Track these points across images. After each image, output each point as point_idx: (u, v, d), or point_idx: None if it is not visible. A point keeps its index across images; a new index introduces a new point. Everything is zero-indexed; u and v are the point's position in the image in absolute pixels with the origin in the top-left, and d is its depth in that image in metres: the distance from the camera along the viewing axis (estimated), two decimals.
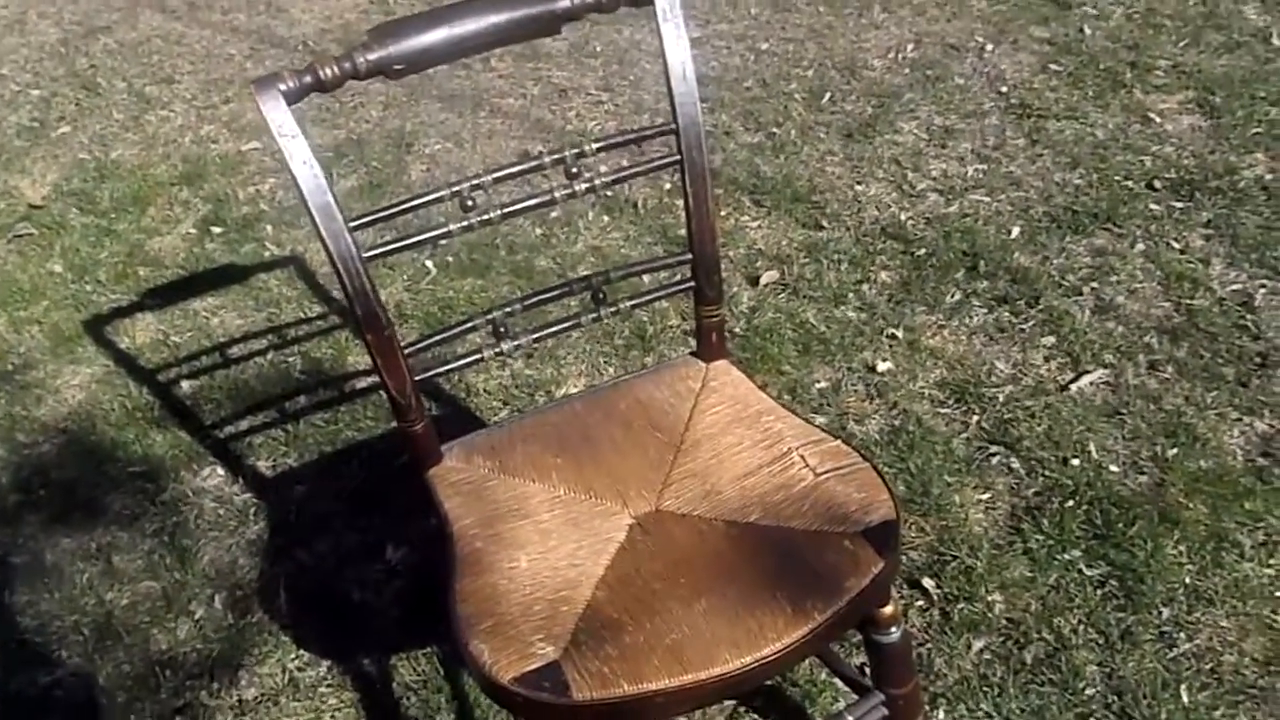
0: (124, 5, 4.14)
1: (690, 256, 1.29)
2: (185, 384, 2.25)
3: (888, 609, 1.17)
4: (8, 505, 2.00)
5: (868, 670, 1.52)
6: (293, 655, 1.68)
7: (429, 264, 2.49)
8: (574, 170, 1.19)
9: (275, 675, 1.65)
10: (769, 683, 1.53)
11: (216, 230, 2.74)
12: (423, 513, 1.24)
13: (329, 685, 1.63)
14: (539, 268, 2.46)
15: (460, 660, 1.49)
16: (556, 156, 1.19)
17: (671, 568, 1.10)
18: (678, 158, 1.22)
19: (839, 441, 1.22)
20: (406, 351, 1.19)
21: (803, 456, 1.20)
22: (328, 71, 1.06)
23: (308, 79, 1.06)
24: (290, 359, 2.28)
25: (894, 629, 1.19)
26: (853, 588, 1.05)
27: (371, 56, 1.07)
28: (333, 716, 1.60)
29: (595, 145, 1.20)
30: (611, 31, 3.53)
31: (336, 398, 2.16)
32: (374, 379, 2.12)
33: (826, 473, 1.17)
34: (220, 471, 2.02)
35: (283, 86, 1.04)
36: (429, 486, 1.24)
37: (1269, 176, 2.50)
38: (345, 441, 2.05)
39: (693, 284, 1.31)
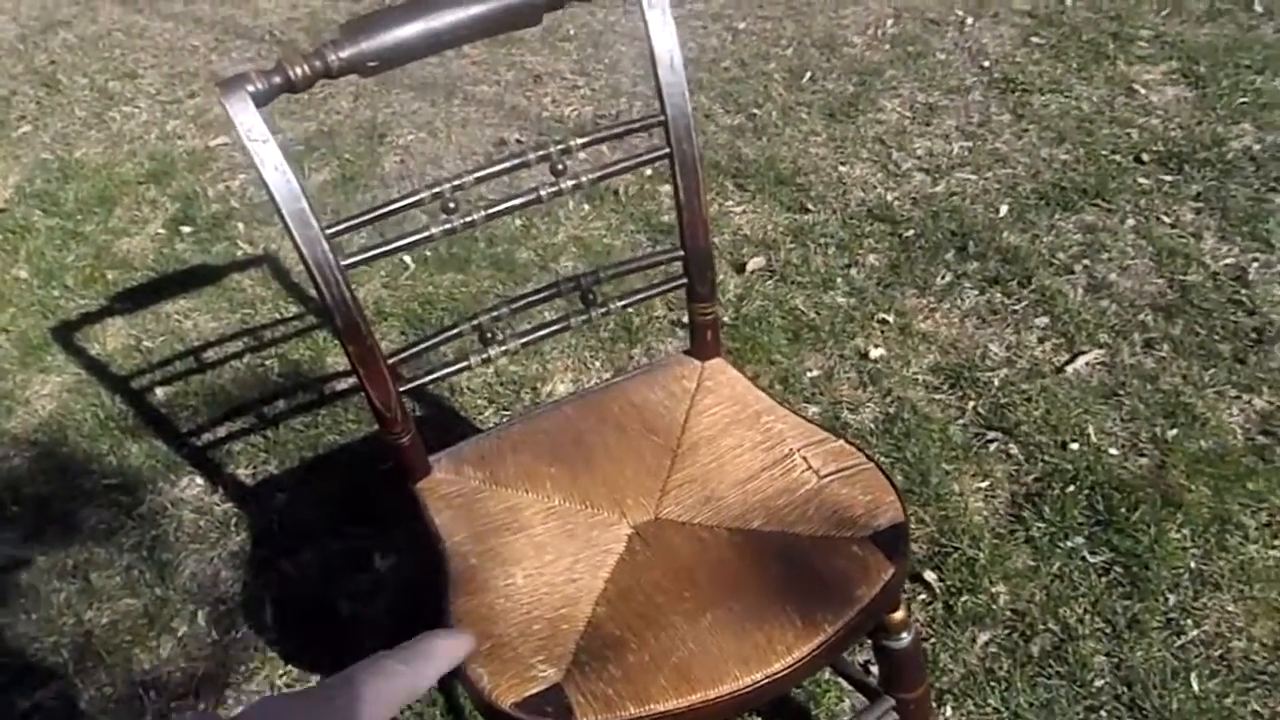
0: None
1: (681, 252, 1.24)
2: (159, 391, 2.18)
3: (898, 614, 1.13)
4: None
5: (873, 668, 1.49)
6: (280, 671, 1.63)
7: (407, 260, 2.43)
8: (560, 167, 1.13)
9: (263, 692, 1.60)
10: None
11: (186, 230, 2.67)
12: (410, 519, 1.19)
13: None
14: (520, 260, 2.41)
15: (455, 674, 1.44)
16: (542, 153, 1.13)
17: (674, 579, 1.06)
18: (666, 151, 1.17)
19: (841, 441, 1.17)
20: (390, 361, 1.14)
21: (805, 458, 1.15)
22: (298, 71, 1.00)
23: (277, 79, 0.99)
24: (267, 362, 2.22)
25: (904, 634, 1.15)
26: (864, 596, 1.01)
27: (344, 54, 1.01)
28: None
29: (581, 140, 1.14)
30: (585, 14, 3.47)
31: (316, 401, 2.10)
32: (354, 380, 2.07)
33: (830, 475, 1.13)
34: (199, 481, 1.97)
35: (251, 88, 0.98)
36: (418, 500, 1.19)
37: (1257, 146, 2.47)
38: (327, 446, 2.00)
39: (684, 281, 1.26)
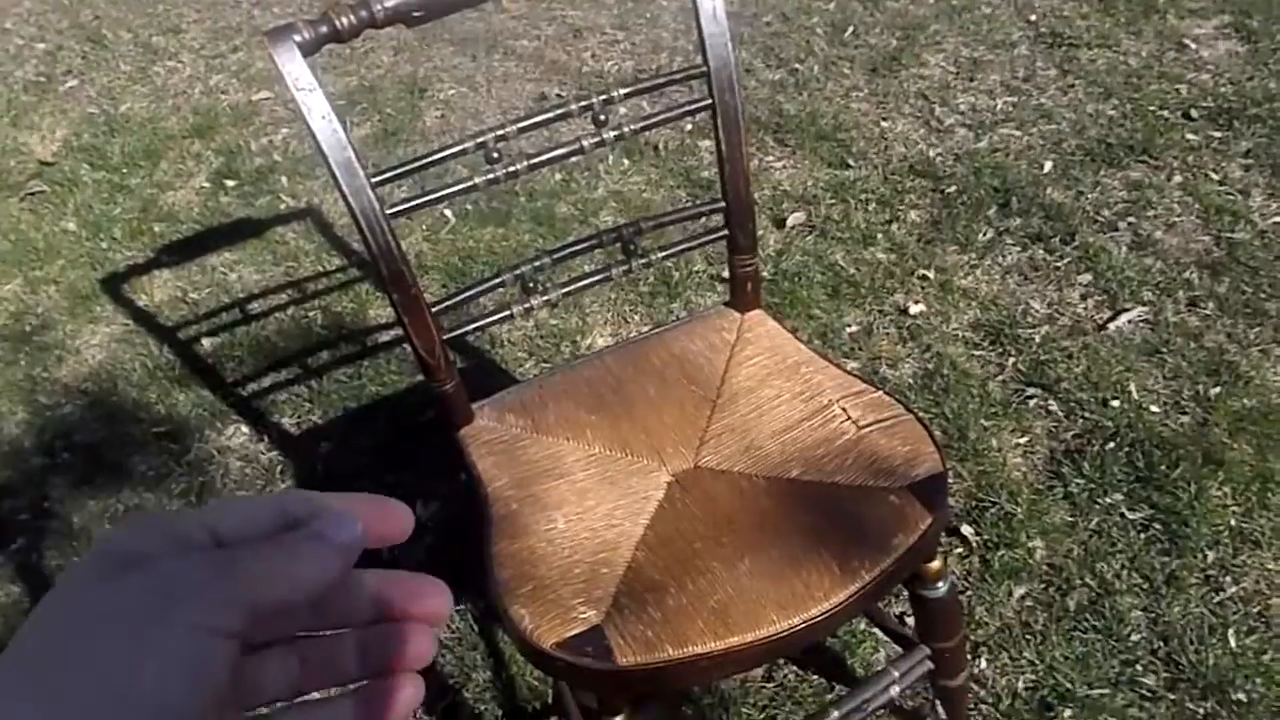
0: None
1: (723, 204, 1.24)
2: (206, 341, 2.22)
3: (934, 564, 1.14)
4: (32, 468, 1.99)
5: (908, 619, 1.50)
6: None
7: (448, 213, 2.44)
8: (602, 118, 1.14)
9: None
10: None
11: (230, 183, 2.70)
12: (451, 468, 1.21)
13: None
14: (560, 214, 2.41)
15: (495, 618, 1.47)
16: (584, 104, 1.13)
17: (712, 526, 1.07)
18: (709, 102, 1.17)
19: (880, 392, 1.18)
20: (434, 309, 1.15)
21: (844, 409, 1.16)
22: (344, 21, 1.01)
23: (323, 29, 1.01)
24: (311, 313, 2.25)
25: (941, 584, 1.16)
26: (900, 545, 1.02)
27: (389, 3, 1.02)
28: None
29: (624, 91, 1.14)
30: None
31: (359, 352, 2.13)
32: (397, 332, 2.09)
33: (869, 425, 1.14)
34: (245, 430, 2.00)
35: (297, 38, 0.99)
36: (461, 447, 1.21)
37: None
38: (370, 397, 2.03)
39: (725, 233, 1.26)
